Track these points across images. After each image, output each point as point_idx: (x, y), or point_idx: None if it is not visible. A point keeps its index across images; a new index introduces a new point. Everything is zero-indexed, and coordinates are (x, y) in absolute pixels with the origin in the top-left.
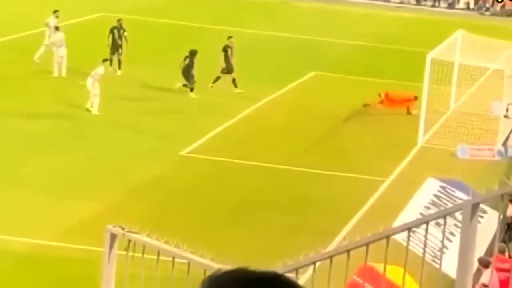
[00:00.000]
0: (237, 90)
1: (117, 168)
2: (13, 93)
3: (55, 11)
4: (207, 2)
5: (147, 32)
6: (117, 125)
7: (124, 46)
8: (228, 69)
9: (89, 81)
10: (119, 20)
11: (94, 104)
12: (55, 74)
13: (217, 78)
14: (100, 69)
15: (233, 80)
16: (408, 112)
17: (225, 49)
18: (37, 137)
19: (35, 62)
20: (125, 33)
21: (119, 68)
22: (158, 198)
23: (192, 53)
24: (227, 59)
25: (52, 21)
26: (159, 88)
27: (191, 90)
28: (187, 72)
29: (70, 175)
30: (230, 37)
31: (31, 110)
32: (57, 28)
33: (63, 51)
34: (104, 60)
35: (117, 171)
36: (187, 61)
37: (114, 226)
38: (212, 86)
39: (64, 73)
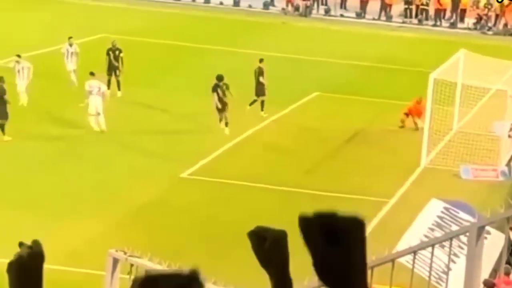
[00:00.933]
0: (247, 108)
1: (118, 190)
2: (11, 115)
3: (69, 38)
4: (208, 23)
5: (148, 53)
6: (118, 146)
7: (120, 67)
8: (261, 92)
9: (98, 101)
10: (113, 41)
11: (101, 123)
12: (24, 102)
13: (262, 102)
14: (103, 87)
15: (253, 102)
16: (415, 124)
17: (259, 73)
18: (36, 158)
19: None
20: (121, 54)
21: (119, 89)
22: (158, 220)
23: (218, 79)
24: (256, 82)
25: (65, 47)
26: (160, 109)
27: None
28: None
29: (69, 196)
30: (261, 60)
31: (30, 131)
32: (19, 56)
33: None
34: (91, 74)
35: (117, 193)
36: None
37: (116, 251)
38: (264, 113)
39: (25, 103)
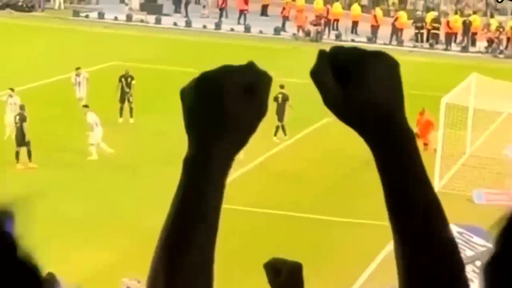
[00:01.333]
0: (283, 136)
1: (130, 218)
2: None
3: (77, 69)
4: (218, 49)
5: (159, 79)
6: (131, 174)
7: (132, 94)
8: (281, 118)
9: (100, 132)
10: (126, 69)
11: (105, 148)
12: (6, 135)
13: (277, 128)
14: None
15: (282, 127)
16: (425, 144)
17: (284, 99)
18: (47, 186)
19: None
20: (133, 81)
21: (131, 116)
22: None
23: None
24: (279, 107)
25: (73, 77)
26: (172, 136)
27: None
28: None
29: (81, 224)
30: (283, 86)
31: (41, 159)
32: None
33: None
34: (85, 106)
35: (129, 221)
36: None
37: (130, 280)
38: (276, 138)
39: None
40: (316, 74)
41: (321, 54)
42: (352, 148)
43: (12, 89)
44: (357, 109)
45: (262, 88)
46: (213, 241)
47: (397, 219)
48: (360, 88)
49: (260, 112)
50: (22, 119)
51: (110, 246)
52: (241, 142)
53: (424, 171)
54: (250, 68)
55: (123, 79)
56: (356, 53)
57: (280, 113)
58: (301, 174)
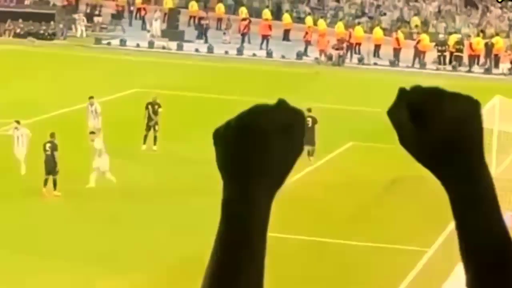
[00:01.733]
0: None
1: (155, 245)
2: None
3: (90, 98)
4: (240, 74)
5: (181, 106)
6: (154, 202)
7: (159, 122)
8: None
9: (107, 159)
10: (154, 96)
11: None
12: (23, 171)
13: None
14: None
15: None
16: None
17: (314, 122)
18: (72, 214)
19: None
20: (160, 109)
21: (155, 144)
22: (199, 276)
23: None
24: (309, 131)
25: (87, 106)
26: (195, 164)
27: None
28: None
29: (106, 254)
30: (310, 110)
31: (63, 187)
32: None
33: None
34: (91, 133)
35: (154, 248)
36: None
37: None
38: (313, 158)
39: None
40: (393, 114)
41: (401, 93)
42: (376, 173)
43: (18, 122)
44: (432, 150)
45: (298, 126)
46: (261, 281)
47: (470, 265)
48: (436, 129)
49: (297, 151)
50: (53, 147)
51: (132, 276)
52: (279, 182)
53: (500, 217)
54: (284, 106)
55: (149, 106)
56: (434, 92)
57: (311, 137)
58: (325, 199)
